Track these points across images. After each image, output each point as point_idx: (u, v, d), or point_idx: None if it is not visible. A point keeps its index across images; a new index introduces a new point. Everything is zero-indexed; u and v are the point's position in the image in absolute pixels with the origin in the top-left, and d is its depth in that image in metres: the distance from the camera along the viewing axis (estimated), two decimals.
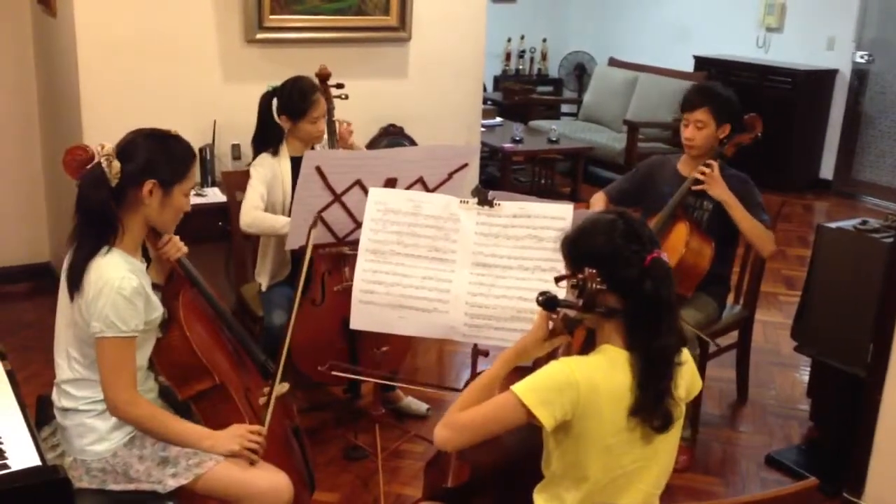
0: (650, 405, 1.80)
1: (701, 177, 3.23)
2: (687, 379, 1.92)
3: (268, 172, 3.35)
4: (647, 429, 1.83)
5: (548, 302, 1.88)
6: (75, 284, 2.15)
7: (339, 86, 3.52)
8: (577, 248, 1.88)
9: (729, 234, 3.31)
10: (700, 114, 3.27)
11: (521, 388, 1.80)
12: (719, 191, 3.22)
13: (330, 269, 3.24)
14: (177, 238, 2.39)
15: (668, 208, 3.25)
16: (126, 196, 2.16)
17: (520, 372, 1.93)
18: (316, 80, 3.45)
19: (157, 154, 2.18)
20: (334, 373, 2.86)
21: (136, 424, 2.20)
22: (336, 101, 3.51)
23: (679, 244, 3.17)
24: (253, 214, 3.29)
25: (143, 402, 2.19)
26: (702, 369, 3.15)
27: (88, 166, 2.17)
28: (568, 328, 1.96)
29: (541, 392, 1.79)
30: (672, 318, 1.85)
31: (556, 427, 1.81)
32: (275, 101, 3.40)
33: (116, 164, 2.12)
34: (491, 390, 1.93)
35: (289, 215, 3.16)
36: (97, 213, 2.15)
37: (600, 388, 1.80)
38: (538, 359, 2.08)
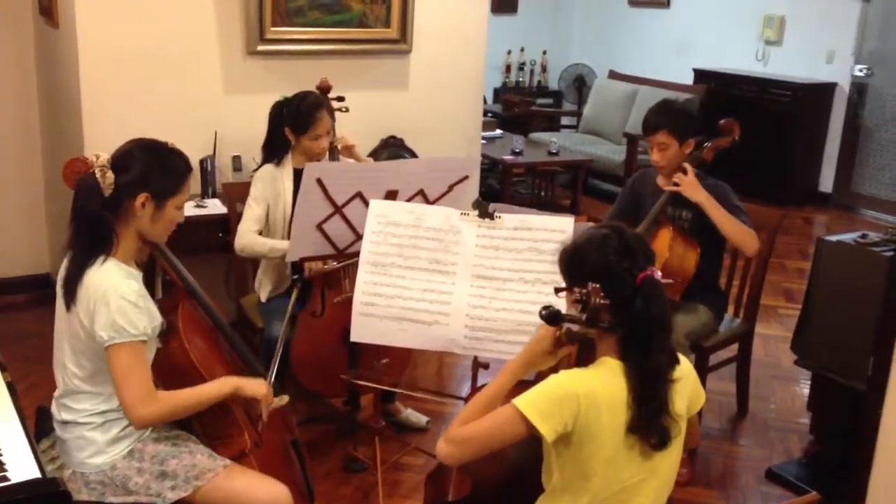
0: (645, 423, 1.81)
1: (677, 181, 3.24)
2: (687, 394, 1.93)
3: (267, 188, 3.36)
4: (645, 446, 1.83)
5: (551, 316, 1.88)
6: (71, 295, 2.15)
7: (340, 98, 3.53)
8: (571, 263, 1.89)
9: (713, 241, 3.32)
10: (660, 136, 3.28)
11: (521, 401, 1.80)
12: (692, 191, 3.22)
13: (329, 281, 3.24)
14: None
15: (650, 217, 3.27)
16: (120, 206, 2.16)
17: (520, 385, 1.93)
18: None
19: (153, 167, 2.17)
20: (353, 381, 2.87)
21: (164, 419, 2.21)
22: (337, 114, 3.52)
23: (663, 249, 3.18)
24: (247, 239, 3.31)
25: (161, 396, 2.17)
26: (702, 381, 3.15)
27: (84, 175, 2.17)
28: (570, 342, 1.96)
29: (542, 404, 1.79)
30: (664, 336, 1.85)
31: (557, 439, 1.81)
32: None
33: (110, 175, 2.12)
34: (494, 404, 1.93)
35: (290, 227, 3.16)
36: (91, 223, 2.15)
37: (600, 400, 1.80)
38: (540, 372, 2.08)
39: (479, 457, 1.89)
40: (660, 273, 1.86)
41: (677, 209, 3.33)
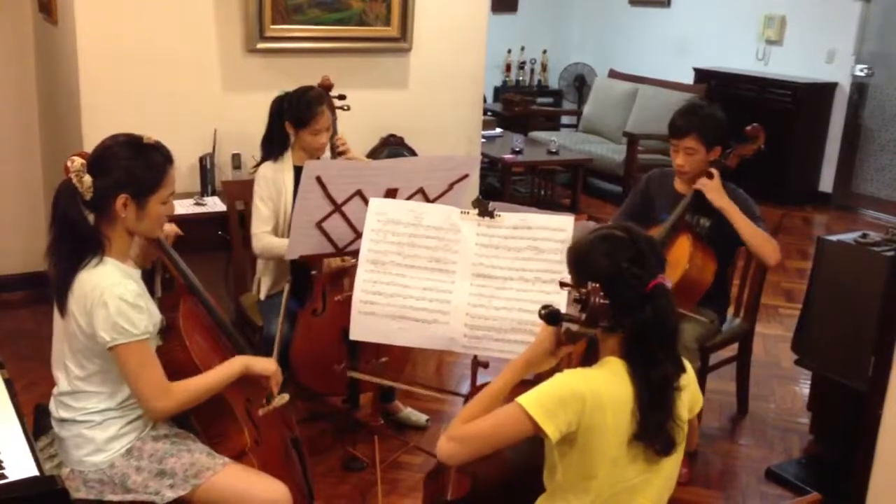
0: (651, 432, 1.81)
1: (700, 186, 3.21)
2: (688, 398, 1.92)
3: (270, 186, 3.35)
4: (649, 451, 1.83)
5: (550, 316, 1.88)
6: (62, 300, 2.14)
7: (341, 97, 3.52)
8: (581, 263, 1.88)
9: (727, 251, 3.29)
10: (689, 141, 3.21)
11: (526, 399, 1.80)
12: (716, 196, 3.16)
13: (331, 279, 3.24)
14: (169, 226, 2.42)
15: (670, 223, 3.22)
16: (103, 208, 2.15)
17: (521, 385, 1.93)
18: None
19: (130, 166, 2.14)
20: (350, 374, 2.88)
21: (182, 408, 2.22)
22: (338, 113, 3.51)
23: (683, 258, 3.15)
24: (263, 242, 3.31)
25: (175, 387, 2.17)
26: (702, 382, 3.14)
27: (63, 180, 2.15)
28: (570, 341, 1.96)
29: (546, 404, 1.79)
30: (671, 344, 1.85)
31: (561, 439, 1.81)
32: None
33: (88, 179, 2.11)
34: (496, 402, 1.92)
35: (290, 225, 3.16)
36: (73, 228, 2.13)
37: (605, 401, 1.80)
38: (541, 372, 2.08)
39: (483, 455, 1.88)
40: (670, 282, 1.85)
41: (696, 216, 3.28)
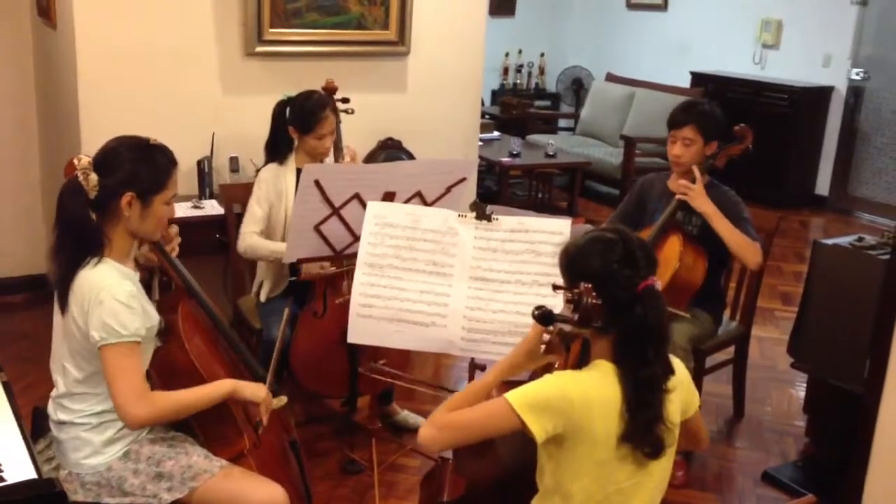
0: (639, 433, 1.81)
1: (684, 190, 3.24)
2: (680, 401, 1.93)
3: (270, 188, 3.35)
4: (638, 455, 1.84)
5: (543, 316, 1.89)
6: (63, 298, 2.15)
7: (345, 100, 3.52)
8: (573, 265, 1.89)
9: (720, 250, 3.31)
10: (687, 131, 3.27)
11: (514, 396, 1.81)
12: (700, 202, 3.21)
13: (333, 282, 3.25)
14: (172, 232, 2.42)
15: (660, 223, 3.26)
16: (106, 207, 2.16)
17: (513, 385, 1.93)
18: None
19: (136, 166, 2.15)
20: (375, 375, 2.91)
21: (159, 420, 2.19)
22: (341, 116, 3.51)
23: (673, 258, 3.17)
24: (248, 242, 3.30)
25: (155, 397, 2.16)
26: (698, 385, 3.15)
27: (68, 178, 2.16)
28: (564, 342, 1.96)
29: (533, 403, 1.80)
30: (661, 346, 1.85)
31: (548, 440, 1.81)
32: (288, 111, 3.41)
33: (94, 177, 2.12)
34: (482, 398, 1.93)
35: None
36: (76, 226, 2.14)
37: (594, 404, 1.80)
38: (534, 372, 2.08)
39: (462, 445, 1.88)
40: (660, 283, 1.86)
41: (688, 214, 3.32)
